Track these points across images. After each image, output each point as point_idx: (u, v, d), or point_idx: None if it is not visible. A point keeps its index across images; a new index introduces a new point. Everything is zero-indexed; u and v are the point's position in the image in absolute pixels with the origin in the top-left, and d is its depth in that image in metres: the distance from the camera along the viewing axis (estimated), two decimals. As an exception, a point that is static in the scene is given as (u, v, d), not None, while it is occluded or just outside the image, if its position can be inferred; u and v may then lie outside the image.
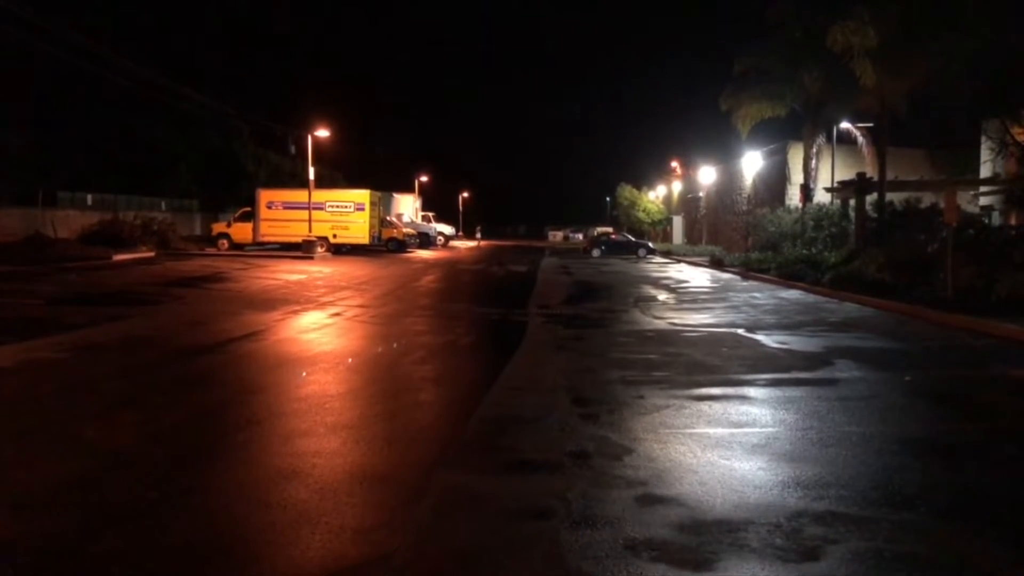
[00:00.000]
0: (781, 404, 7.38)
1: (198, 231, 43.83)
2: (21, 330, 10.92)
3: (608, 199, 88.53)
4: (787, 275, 22.67)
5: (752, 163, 39.18)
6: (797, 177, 33.06)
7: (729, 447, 5.89)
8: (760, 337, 11.86)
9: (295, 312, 14.47)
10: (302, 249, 34.07)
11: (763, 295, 19.47)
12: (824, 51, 25.08)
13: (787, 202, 34.31)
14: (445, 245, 54.48)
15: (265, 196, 38.05)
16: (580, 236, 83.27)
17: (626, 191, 70.77)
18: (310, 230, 35.41)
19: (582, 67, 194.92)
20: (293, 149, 46.83)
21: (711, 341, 11.58)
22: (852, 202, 27.27)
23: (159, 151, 44.82)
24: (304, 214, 36.00)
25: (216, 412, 7.08)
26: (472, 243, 64.83)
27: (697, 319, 14.32)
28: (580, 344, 11.29)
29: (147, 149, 44.28)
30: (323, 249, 35.52)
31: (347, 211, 37.85)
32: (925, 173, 31.51)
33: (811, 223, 28.88)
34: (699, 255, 39.21)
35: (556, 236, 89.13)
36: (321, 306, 15.52)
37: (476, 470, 5.43)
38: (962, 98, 19.36)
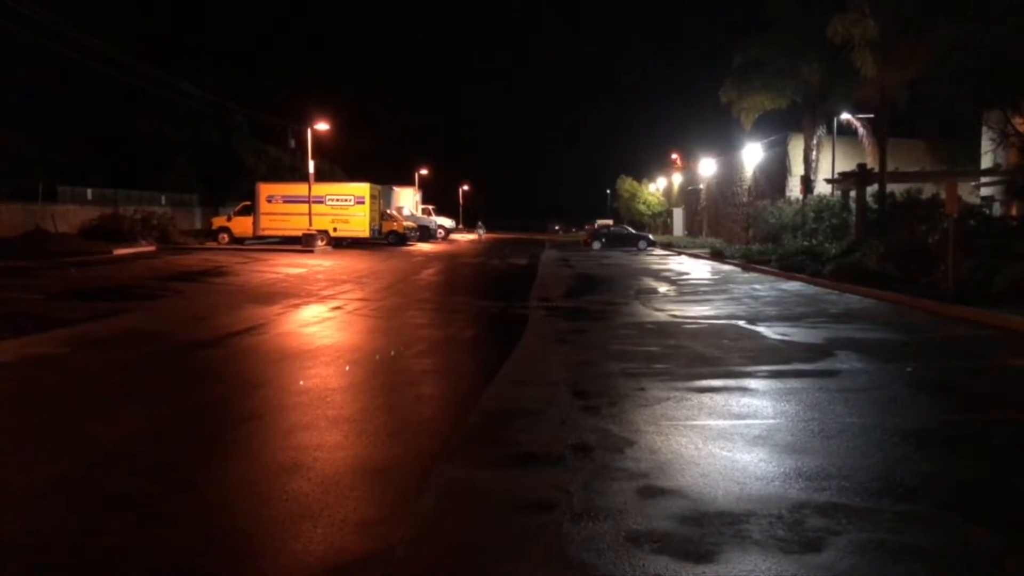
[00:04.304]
0: (782, 396, 7.37)
1: (198, 225, 43.77)
2: (21, 325, 10.91)
3: (608, 191, 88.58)
4: (788, 267, 22.64)
5: (752, 155, 39.11)
6: (798, 169, 33.02)
7: (731, 439, 5.88)
8: (761, 329, 11.85)
9: (296, 306, 14.47)
10: (302, 243, 34.05)
11: (764, 287, 19.45)
12: (824, 43, 25.07)
13: (788, 194, 34.27)
14: (445, 238, 54.45)
15: (265, 190, 38.03)
16: (575, 229, 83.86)
17: (626, 183, 70.76)
18: (310, 224, 35.37)
19: (582, 60, 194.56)
20: (293, 143, 46.75)
21: (712, 333, 11.57)
22: (853, 193, 27.23)
23: (159, 145, 44.76)
24: (304, 208, 35.97)
25: (217, 406, 7.08)
26: (473, 236, 64.76)
27: (698, 311, 14.31)
28: (581, 337, 11.28)
29: (147, 144, 44.23)
30: (323, 243, 35.50)
31: (347, 204, 37.82)
32: (926, 164, 31.47)
33: (812, 215, 28.85)
34: (700, 247, 39.17)
35: (554, 229, 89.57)
36: (322, 300, 15.51)
37: (478, 463, 5.43)
38: (963, 88, 19.30)
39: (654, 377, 8.20)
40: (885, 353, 9.88)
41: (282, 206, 37.44)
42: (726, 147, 43.94)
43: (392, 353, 9.95)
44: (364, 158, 63.14)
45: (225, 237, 37.10)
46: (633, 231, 47.79)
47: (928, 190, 24.64)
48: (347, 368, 8.82)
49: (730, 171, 44.48)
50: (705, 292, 18.34)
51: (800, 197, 29.78)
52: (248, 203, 38.01)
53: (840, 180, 29.18)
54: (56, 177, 34.62)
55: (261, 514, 4.44)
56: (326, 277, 21.08)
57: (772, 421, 6.45)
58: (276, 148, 51.77)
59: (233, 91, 50.16)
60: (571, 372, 8.48)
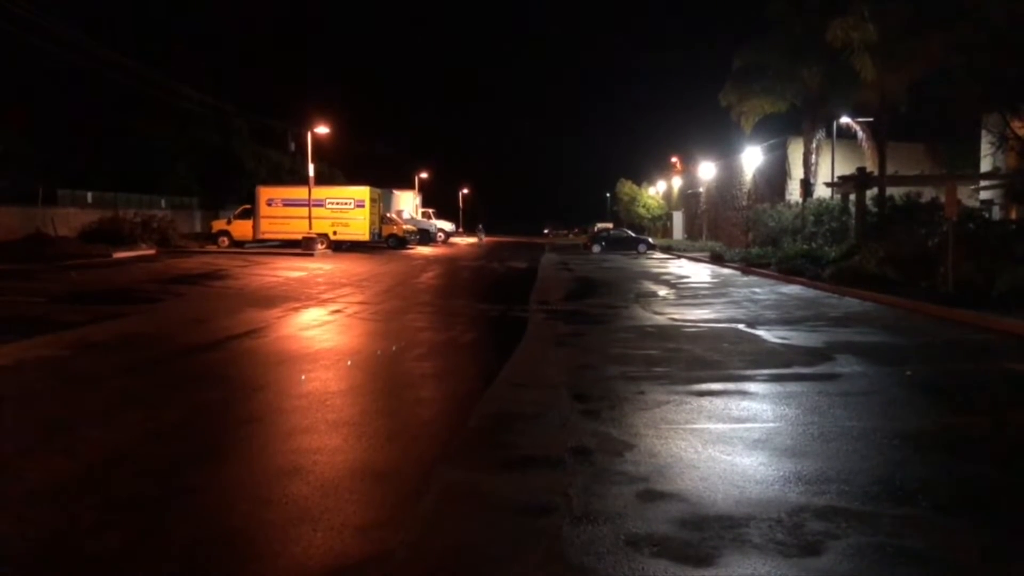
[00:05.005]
0: (782, 399, 7.38)
1: (198, 228, 43.75)
2: (22, 328, 10.90)
3: (608, 195, 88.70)
4: (787, 270, 22.65)
5: (752, 158, 39.15)
6: (797, 172, 33.06)
7: (730, 442, 5.89)
8: (761, 332, 11.86)
9: (296, 309, 14.47)
10: (302, 246, 34.07)
11: (763, 290, 19.46)
12: (824, 46, 25.09)
13: (787, 197, 34.31)
14: (445, 242, 54.46)
15: (265, 193, 38.05)
16: (571, 233, 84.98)
17: (626, 187, 70.80)
18: (310, 227, 35.40)
19: (582, 63, 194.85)
20: (293, 146, 46.75)
21: (712, 337, 11.57)
22: (852, 197, 27.26)
23: (159, 149, 44.75)
24: (304, 211, 35.99)
25: (217, 409, 7.08)
26: (473, 240, 64.76)
27: (698, 315, 14.31)
28: (581, 340, 11.28)
29: (147, 147, 44.21)
30: (323, 246, 35.52)
31: (347, 208, 37.85)
32: (925, 167, 31.48)
33: (811, 218, 28.87)
34: (699, 251, 39.21)
35: (543, 232, 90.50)
36: (322, 303, 15.51)
37: (477, 466, 5.43)
38: (962, 92, 19.33)
39: (654, 380, 8.20)
40: (885, 357, 9.88)
41: (282, 209, 37.47)
42: (726, 150, 44.03)
43: (392, 356, 9.96)
44: (364, 161, 63.20)
45: (225, 240, 37.09)
46: (632, 234, 47.83)
47: (928, 193, 24.66)
48: (347, 371, 8.82)
49: (730, 174, 44.52)
50: (705, 295, 18.35)
51: (800, 200, 29.79)
52: (248, 206, 38.01)
53: (840, 183, 29.21)
54: (56, 180, 34.64)
55: (261, 517, 4.44)
56: (326, 280, 21.09)
57: (772, 425, 6.46)
58: (276, 151, 51.77)
59: (233, 94, 50.08)
60: (571, 375, 8.48)
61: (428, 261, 32.30)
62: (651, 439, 5.97)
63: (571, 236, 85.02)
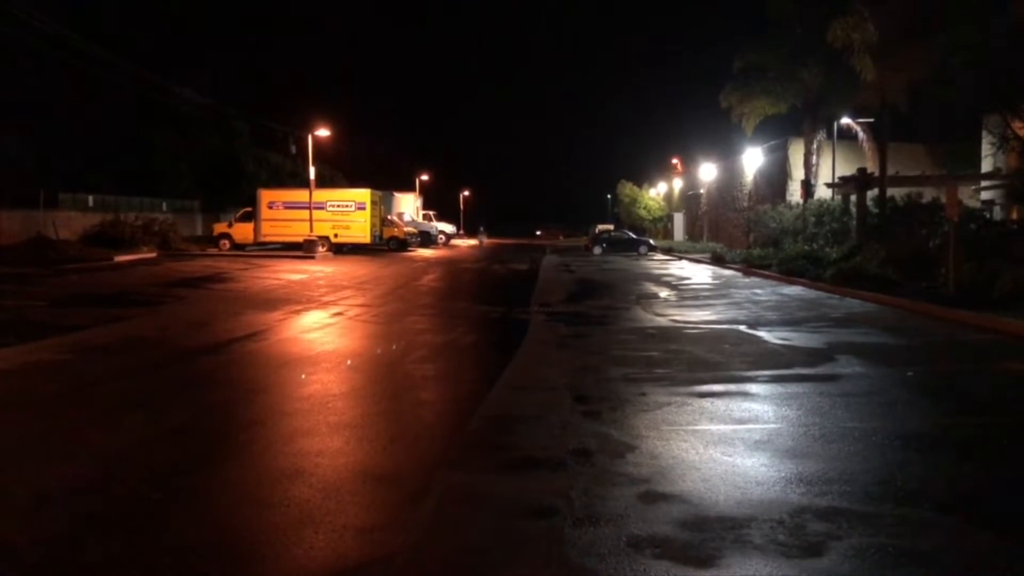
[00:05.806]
0: (783, 400, 7.38)
1: (199, 232, 43.82)
2: (24, 332, 10.93)
3: (609, 196, 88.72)
4: (788, 271, 22.64)
5: (753, 159, 39.15)
6: (798, 173, 33.06)
7: (732, 444, 5.89)
8: (762, 333, 11.86)
9: (297, 312, 14.48)
10: (303, 249, 34.09)
11: (765, 291, 19.45)
12: (824, 47, 25.09)
13: (788, 198, 34.30)
14: (446, 244, 54.48)
15: (266, 196, 38.09)
16: (560, 235, 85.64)
17: (627, 188, 70.80)
18: (311, 230, 35.43)
19: (584, 65, 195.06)
20: (294, 149, 46.83)
21: (713, 338, 11.57)
22: (853, 198, 27.25)
23: (160, 152, 44.83)
24: (305, 214, 36.03)
25: (219, 412, 7.09)
26: (474, 242, 64.76)
27: (699, 316, 14.31)
28: (582, 342, 11.28)
29: (148, 150, 44.29)
30: (324, 249, 35.54)
31: (348, 210, 37.87)
32: (926, 168, 31.49)
33: (812, 219, 28.86)
34: (700, 252, 39.20)
35: (536, 234, 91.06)
36: (323, 306, 15.52)
37: (479, 469, 5.43)
38: (963, 93, 19.32)
39: (655, 382, 8.20)
40: (886, 357, 9.87)
41: (283, 212, 37.51)
42: (727, 152, 44.03)
43: (393, 359, 9.96)
44: (365, 164, 63.35)
45: (226, 243, 37.12)
46: (633, 236, 47.80)
47: (929, 194, 24.64)
48: (348, 374, 8.83)
49: (731, 176, 44.54)
50: (706, 297, 18.34)
51: (801, 201, 29.79)
52: (249, 209, 38.05)
53: (841, 184, 29.21)
54: (57, 184, 34.70)
55: (263, 520, 4.44)
56: (327, 283, 21.10)
57: (773, 426, 6.46)
58: (277, 154, 51.86)
59: (234, 97, 50.35)
60: (572, 377, 8.48)
61: (429, 263, 32.32)
62: (652, 440, 5.97)
63: (561, 238, 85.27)
